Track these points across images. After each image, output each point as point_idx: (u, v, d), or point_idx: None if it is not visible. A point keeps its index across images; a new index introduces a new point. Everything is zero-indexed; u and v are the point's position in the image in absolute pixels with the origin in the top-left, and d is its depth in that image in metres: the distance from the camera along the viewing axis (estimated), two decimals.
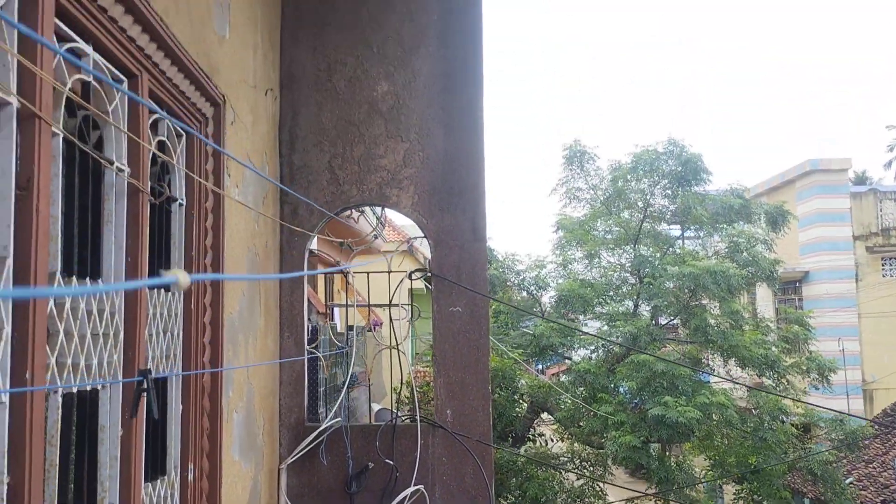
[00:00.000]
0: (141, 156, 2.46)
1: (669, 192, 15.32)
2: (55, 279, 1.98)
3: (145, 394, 2.01)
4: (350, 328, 7.99)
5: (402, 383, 4.96)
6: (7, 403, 1.71)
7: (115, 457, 2.32)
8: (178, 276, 1.00)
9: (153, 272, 2.69)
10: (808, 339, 14.43)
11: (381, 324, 15.55)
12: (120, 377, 2.32)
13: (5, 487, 1.69)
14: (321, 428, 4.18)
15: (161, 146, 2.79)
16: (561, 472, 14.46)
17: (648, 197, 15.57)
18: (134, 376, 2.30)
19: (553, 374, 24.01)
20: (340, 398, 4.40)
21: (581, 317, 15.58)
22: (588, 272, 16.55)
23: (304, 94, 4.54)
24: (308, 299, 4.83)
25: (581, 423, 14.62)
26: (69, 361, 2.04)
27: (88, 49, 2.17)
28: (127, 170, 2.40)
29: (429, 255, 4.70)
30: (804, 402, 11.95)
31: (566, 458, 14.82)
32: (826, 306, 19.60)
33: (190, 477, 2.95)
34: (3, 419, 1.70)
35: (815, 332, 14.85)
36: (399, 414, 4.62)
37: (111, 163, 2.31)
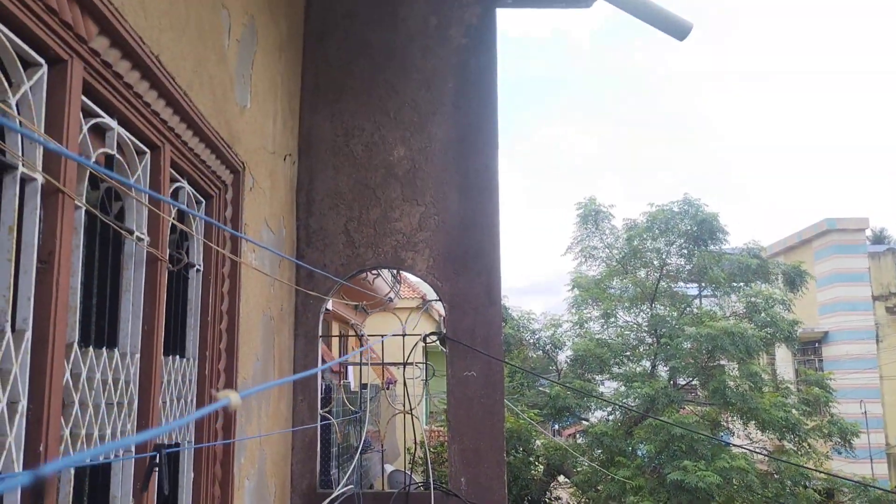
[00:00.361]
0: (161, 225, 2.50)
1: (685, 251, 15.30)
2: (72, 350, 2.00)
3: (157, 469, 2.00)
4: (364, 386, 7.94)
5: (415, 443, 4.90)
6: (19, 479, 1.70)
7: None
8: (231, 397, 1.01)
9: (168, 338, 2.70)
10: (829, 401, 14.19)
11: (395, 382, 15.45)
12: (133, 447, 2.31)
13: None
14: (333, 495, 4.12)
15: (181, 213, 2.83)
16: None
17: (664, 256, 15.55)
18: (147, 448, 2.29)
19: (569, 435, 23.65)
20: (354, 464, 4.35)
21: (598, 377, 15.43)
22: (604, 331, 16.45)
23: (322, 158, 4.62)
24: (322, 358, 4.82)
25: (599, 487, 14.34)
26: (83, 432, 2.04)
27: (113, 123, 2.23)
28: (147, 239, 2.44)
29: (444, 313, 4.70)
30: (825, 473, 11.66)
31: None
32: (846, 367, 19.28)
33: None
34: (16, 496, 1.69)
35: (836, 393, 14.60)
36: (412, 479, 4.55)
37: (131, 233, 2.35)
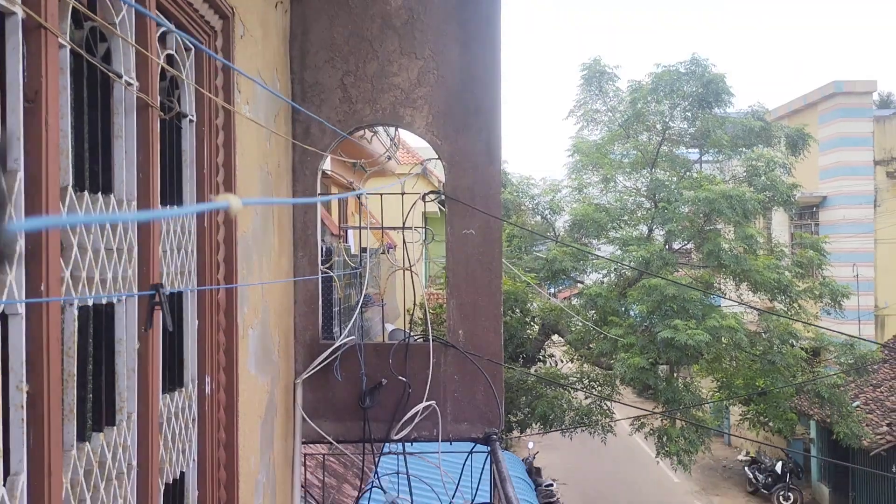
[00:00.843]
0: (149, 70, 2.42)
1: (689, 114, 15.07)
2: (67, 193, 1.98)
3: (158, 307, 2.03)
4: (364, 250, 8.03)
5: (414, 304, 5.00)
6: (23, 315, 1.73)
7: (133, 369, 2.37)
8: (230, 200, 0.98)
9: (165, 189, 2.69)
10: (823, 264, 14.41)
11: (395, 247, 15.64)
12: (135, 287, 2.34)
13: (25, 395, 1.73)
14: (336, 345, 4.25)
15: (169, 60, 2.74)
16: (570, 391, 14.75)
17: (668, 119, 15.32)
18: (146, 286, 2.32)
19: (564, 298, 24.19)
20: (354, 316, 4.46)
21: (594, 241, 15.59)
22: (603, 196, 16.47)
23: (315, 6, 4.43)
24: (321, 221, 4.84)
25: (591, 346, 14.84)
26: (84, 275, 2.06)
27: None
28: (136, 84, 2.37)
29: (443, 178, 4.67)
30: (814, 325, 12.00)
31: (575, 378, 15.08)
32: (842, 232, 19.45)
33: (207, 390, 3.02)
34: (20, 330, 1.72)
35: (829, 257, 14.80)
36: (412, 334, 4.68)
37: (119, 76, 2.28)
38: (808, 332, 14.11)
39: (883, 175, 20.19)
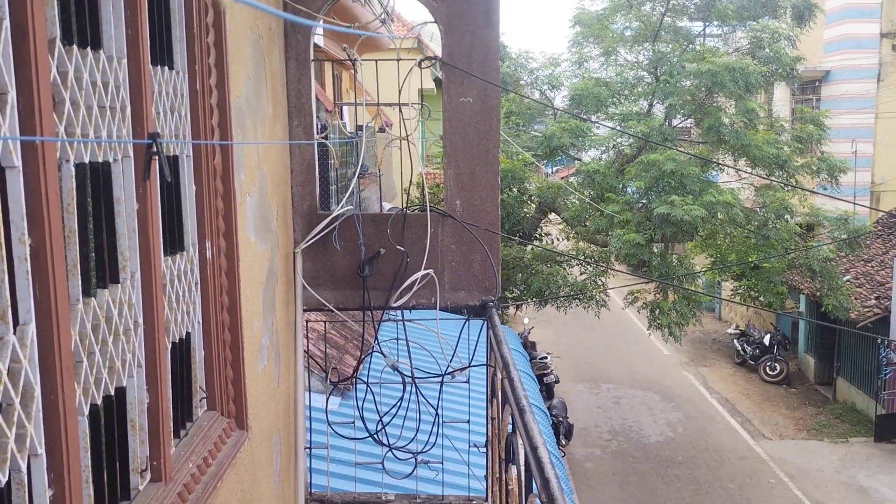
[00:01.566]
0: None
1: None
2: (56, 46, 1.93)
3: (156, 157, 2.02)
4: (359, 128, 7.93)
5: (411, 183, 4.98)
6: (20, 167, 1.73)
7: (133, 229, 2.38)
8: None
9: (154, 49, 2.62)
10: (822, 139, 14.29)
11: (391, 125, 15.42)
12: (130, 149, 2.33)
13: (27, 248, 1.75)
14: (334, 214, 4.27)
15: None
16: (565, 268, 14.97)
17: None
18: (142, 147, 2.31)
19: (562, 178, 24.13)
20: (352, 186, 4.46)
21: (593, 117, 15.38)
22: (603, 71, 16.12)
23: None
24: (316, 96, 4.74)
25: (587, 223, 14.93)
26: (78, 131, 2.04)
27: None
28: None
29: (438, 51, 4.55)
30: (810, 191, 11.97)
31: (571, 255, 15.26)
32: (844, 107, 19.19)
33: (208, 254, 3.06)
34: (18, 182, 1.72)
35: (829, 132, 14.66)
36: (408, 206, 4.69)
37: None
38: (804, 207, 14.18)
39: (889, 48, 19.71)
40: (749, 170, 13.85)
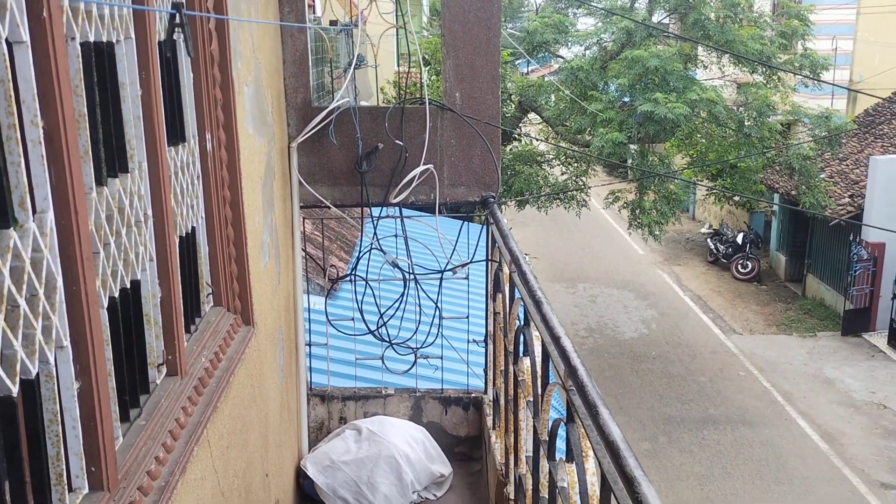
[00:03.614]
0: None
1: None
2: None
3: (180, 29, 1.88)
4: (332, 23, 7.60)
5: (388, 82, 4.80)
6: (29, 43, 1.59)
7: (138, 116, 2.26)
8: None
9: None
10: (806, 34, 14.09)
11: (366, 21, 14.86)
12: (132, 30, 2.17)
13: (41, 131, 1.63)
14: (330, 107, 4.11)
15: None
16: (545, 168, 14.90)
17: None
18: (150, 30, 2.15)
19: (541, 76, 23.70)
20: (349, 75, 4.28)
21: (576, 10, 14.97)
22: None
23: None
24: None
25: (567, 123, 14.76)
26: (82, 7, 1.88)
27: None
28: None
29: None
30: (800, 73, 11.86)
31: (552, 156, 15.16)
32: (827, 2, 18.88)
33: (209, 146, 2.93)
34: (27, 59, 1.58)
35: (813, 27, 14.45)
36: (406, 97, 4.53)
37: None
38: (785, 105, 14.11)
39: None
40: (732, 67, 13.67)
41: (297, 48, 4.20)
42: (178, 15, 1.80)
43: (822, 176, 15.31)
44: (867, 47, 19.31)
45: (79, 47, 1.87)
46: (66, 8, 1.80)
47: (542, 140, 14.54)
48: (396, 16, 5.28)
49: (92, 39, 1.95)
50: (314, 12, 9.96)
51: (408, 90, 4.88)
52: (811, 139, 13.80)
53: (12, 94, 1.53)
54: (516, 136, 16.28)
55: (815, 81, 13.01)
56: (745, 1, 13.45)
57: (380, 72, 4.63)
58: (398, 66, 16.65)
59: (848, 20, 19.52)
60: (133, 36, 2.20)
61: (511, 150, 15.53)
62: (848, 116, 17.24)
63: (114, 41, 2.10)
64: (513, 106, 15.90)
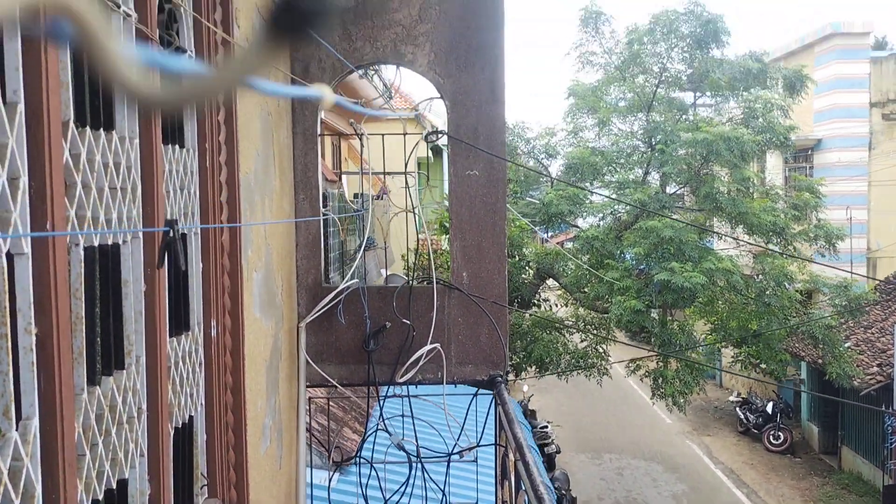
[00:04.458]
0: (148, 1, 2.31)
1: (687, 55, 14.83)
2: (69, 128, 1.89)
3: (172, 244, 1.97)
4: (355, 196, 7.94)
5: (409, 249, 4.95)
6: (29, 254, 1.67)
7: (140, 311, 2.31)
8: (324, 91, 0.91)
9: (166, 127, 2.59)
10: (818, 206, 14.38)
11: (389, 192, 15.52)
12: (141, 231, 2.28)
13: (34, 338, 1.68)
14: (339, 288, 4.21)
15: None
16: (565, 335, 14.84)
17: (665, 61, 15.08)
18: (156, 222, 2.26)
19: (558, 243, 24.19)
20: (357, 259, 4.40)
21: (589, 185, 15.49)
22: (598, 140, 16.32)
23: None
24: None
25: (586, 289, 14.86)
26: (89, 214, 1.99)
27: None
28: (134, 15, 2.25)
29: (437, 123, 4.57)
30: (810, 261, 11.98)
31: (571, 322, 15.15)
32: (837, 175, 19.39)
33: (213, 333, 2.98)
34: (27, 270, 1.66)
35: (825, 199, 14.77)
36: (414, 277, 4.63)
37: (118, 6, 2.17)
38: (803, 273, 14.16)
39: (878, 117, 20.06)
40: (747, 237, 13.89)
41: (310, 231, 4.36)
42: (171, 231, 1.89)
43: (847, 345, 15.07)
44: (881, 217, 19.60)
45: (82, 252, 1.95)
46: (71, 217, 1.90)
47: (554, 320, 14.59)
48: (406, 190, 5.49)
49: (97, 243, 2.05)
50: (341, 188, 10.44)
51: (417, 267, 4.99)
52: (832, 308, 13.70)
53: (7, 304, 1.59)
54: (535, 301, 16.39)
55: (830, 251, 13.11)
56: (756, 175, 13.86)
57: (401, 241, 4.75)
58: (417, 232, 17.18)
59: (860, 190, 19.96)
60: (140, 236, 2.30)
61: (530, 315, 15.57)
62: (869, 285, 17.20)
63: (119, 242, 2.20)
64: (531, 272, 16.13)
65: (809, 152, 20.98)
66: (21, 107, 1.64)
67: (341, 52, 4.34)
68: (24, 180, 1.65)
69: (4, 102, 1.62)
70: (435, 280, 4.37)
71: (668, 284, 12.18)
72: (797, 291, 14.12)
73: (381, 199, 11.98)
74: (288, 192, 4.17)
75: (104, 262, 2.12)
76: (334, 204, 6.43)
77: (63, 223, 1.79)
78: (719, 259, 12.68)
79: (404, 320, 4.33)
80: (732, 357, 15.74)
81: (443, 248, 13.90)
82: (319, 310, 4.20)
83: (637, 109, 15.67)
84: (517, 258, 15.62)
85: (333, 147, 14.03)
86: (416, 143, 4.61)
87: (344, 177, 12.00)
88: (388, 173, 5.09)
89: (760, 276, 13.96)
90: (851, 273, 12.88)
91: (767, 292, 13.15)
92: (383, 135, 4.55)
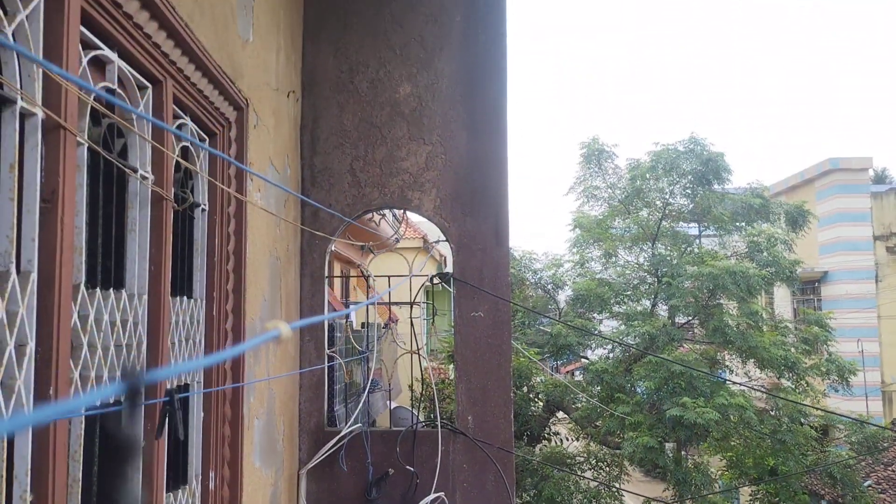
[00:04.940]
0: (165, 163, 2.42)
1: (689, 191, 15.18)
2: (79, 291, 1.95)
3: (171, 416, 1.97)
4: (363, 325, 7.95)
5: (421, 381, 4.92)
6: (30, 430, 1.67)
7: (137, 468, 2.29)
8: (281, 328, 0.95)
9: (175, 279, 2.66)
10: (828, 340, 14.26)
11: (397, 321, 15.51)
12: (143, 388, 2.28)
13: None
14: (341, 434, 4.14)
15: (184, 151, 2.75)
16: (577, 473, 14.39)
17: (667, 196, 15.43)
18: (156, 386, 2.27)
19: (568, 371, 23.90)
20: (361, 403, 4.36)
21: (597, 315, 15.49)
22: (605, 271, 16.45)
23: (326, 96, 4.50)
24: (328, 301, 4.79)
25: (597, 424, 14.55)
26: (93, 374, 2.01)
27: (113, 56, 2.13)
28: (151, 177, 2.36)
29: (446, 253, 4.66)
30: (824, 410, 11.79)
31: (582, 459, 14.74)
32: (845, 307, 19.36)
33: (211, 485, 2.92)
34: (26, 437, 1.66)
35: (834, 333, 14.67)
36: (419, 419, 4.57)
37: (135, 171, 2.28)
38: (817, 409, 13.85)
39: (883, 250, 20.24)
40: (758, 371, 13.71)
41: (314, 373, 4.35)
42: (171, 401, 1.90)
43: (867, 483, 14.52)
44: (893, 350, 19.39)
45: (83, 413, 1.96)
46: (75, 379, 1.92)
47: (563, 463, 14.23)
48: (411, 325, 5.50)
49: (98, 402, 2.05)
50: (348, 318, 10.46)
51: (424, 398, 4.92)
52: (849, 446, 13.31)
53: (4, 473, 1.59)
54: (545, 435, 16.00)
55: (843, 385, 12.88)
56: (764, 308, 13.85)
57: (408, 369, 4.73)
58: (427, 360, 17.02)
59: (870, 323, 19.85)
60: (149, 401, 2.31)
61: (540, 449, 15.16)
62: (885, 422, 16.78)
63: (121, 399, 2.20)
64: (540, 405, 15.84)
65: (816, 284, 21.04)
66: (34, 275, 1.70)
67: (350, 197, 4.49)
68: (31, 346, 1.69)
69: (19, 272, 1.68)
70: (440, 424, 4.31)
71: (680, 420, 11.92)
72: (812, 427, 13.77)
73: (390, 328, 11.99)
74: (293, 334, 4.19)
75: (104, 422, 2.12)
76: (340, 334, 6.44)
77: (66, 386, 1.80)
78: (731, 394, 12.46)
79: (408, 466, 4.24)
80: (750, 496, 15.16)
81: (450, 378, 13.76)
82: (320, 457, 4.12)
83: (642, 241, 15.89)
84: (525, 389, 15.39)
85: (342, 280, 14.19)
86: (422, 285, 4.67)
87: (352, 306, 12.07)
88: (395, 303, 5.14)
89: (774, 412, 13.67)
90: (870, 423, 12.57)
91: (782, 428, 12.83)
92: (389, 277, 4.62)
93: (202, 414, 2.90)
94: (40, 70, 1.72)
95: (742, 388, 13.30)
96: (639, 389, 14.02)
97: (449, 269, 4.76)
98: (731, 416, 12.60)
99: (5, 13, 1.67)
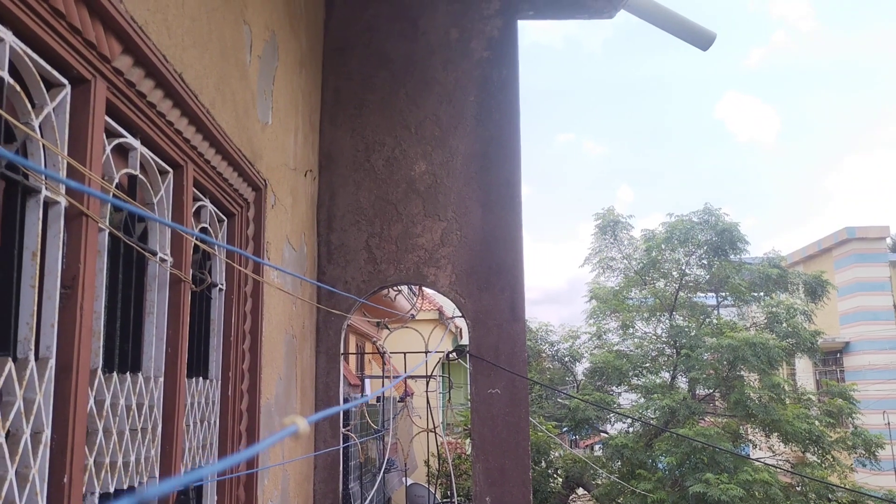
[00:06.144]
0: (184, 246, 2.45)
1: (705, 261, 15.14)
2: (96, 376, 1.95)
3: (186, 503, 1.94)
4: (378, 399, 7.87)
5: (438, 458, 4.83)
6: None
7: None
8: (298, 423, 0.94)
9: (192, 359, 2.65)
10: (853, 412, 13.95)
11: (413, 394, 15.38)
12: (157, 473, 2.26)
13: None
14: None
15: (203, 232, 2.79)
16: None
17: (683, 266, 15.39)
18: (171, 472, 2.24)
19: (587, 445, 23.42)
20: (376, 484, 4.28)
21: (616, 388, 15.27)
22: (622, 343, 16.30)
23: (343, 174, 4.57)
24: (343, 376, 4.76)
25: (619, 501, 14.16)
26: (107, 460, 1.99)
27: (136, 143, 2.19)
28: (170, 260, 2.39)
29: (461, 325, 4.64)
30: (850, 490, 11.42)
31: None
32: (869, 378, 18.99)
33: None
34: None
35: (859, 405, 14.35)
36: (434, 496, 4.48)
37: (154, 254, 2.30)
38: (845, 484, 13.44)
39: None
40: (782, 445, 13.37)
41: (329, 454, 4.28)
42: (185, 491, 1.88)
43: None
44: None
45: (97, 500, 1.93)
46: (90, 465, 1.90)
47: None
48: (427, 402, 5.44)
49: (112, 489, 2.03)
50: (365, 392, 10.37)
51: (441, 474, 4.82)
52: None
53: None
54: None
55: (870, 458, 12.52)
56: (786, 381, 13.61)
57: (424, 445, 4.65)
58: (443, 435, 16.76)
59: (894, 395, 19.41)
60: (156, 475, 2.28)
61: None
62: None
63: (135, 485, 2.17)
64: (559, 480, 15.48)
65: (839, 355, 20.71)
66: (52, 362, 1.71)
67: (366, 273, 4.51)
68: (46, 433, 1.68)
69: (37, 358, 1.69)
70: (457, 503, 4.21)
71: (704, 497, 11.59)
72: (839, 503, 13.33)
73: (402, 401, 11.87)
74: (308, 413, 4.15)
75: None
76: (357, 410, 6.37)
77: (80, 473, 1.79)
78: (756, 469, 12.13)
79: None
80: None
81: (466, 454, 13.49)
82: None
83: (659, 312, 15.78)
84: (544, 465, 15.07)
85: (357, 349, 14.12)
86: (439, 361, 4.64)
87: (367, 380, 11.99)
88: (410, 377, 5.09)
89: (800, 487, 13.27)
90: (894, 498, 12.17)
91: None
92: (405, 353, 4.59)
93: (215, 497, 2.85)
94: (65, 160, 1.77)
95: (767, 461, 12.96)
96: (660, 465, 13.69)
97: (465, 340, 4.73)
98: (756, 493, 12.24)
99: (33, 106, 1.73)
